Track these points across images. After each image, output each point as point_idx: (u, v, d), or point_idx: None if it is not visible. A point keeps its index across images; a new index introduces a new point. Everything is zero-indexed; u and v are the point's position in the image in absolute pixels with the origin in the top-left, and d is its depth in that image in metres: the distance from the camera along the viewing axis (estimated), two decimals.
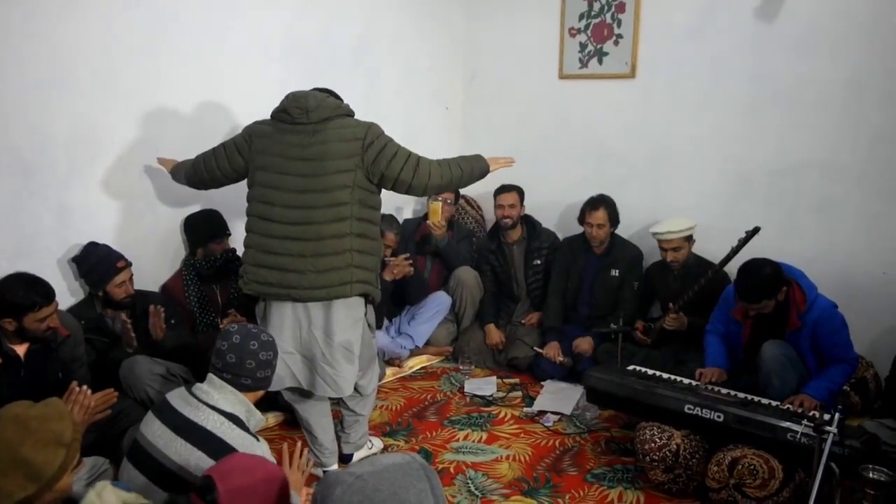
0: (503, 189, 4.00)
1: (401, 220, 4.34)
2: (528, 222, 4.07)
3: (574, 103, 4.28)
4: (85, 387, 2.13)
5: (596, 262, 3.81)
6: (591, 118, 4.23)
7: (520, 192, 4.01)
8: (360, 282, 2.49)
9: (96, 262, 2.80)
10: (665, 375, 3.00)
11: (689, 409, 2.66)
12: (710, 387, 2.83)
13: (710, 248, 3.57)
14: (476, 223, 4.57)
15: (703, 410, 2.62)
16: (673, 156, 3.97)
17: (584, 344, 3.64)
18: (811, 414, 2.53)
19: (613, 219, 3.73)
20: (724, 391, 2.78)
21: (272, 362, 2.10)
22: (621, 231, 3.91)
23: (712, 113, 3.81)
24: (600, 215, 3.68)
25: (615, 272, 3.75)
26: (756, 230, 3.03)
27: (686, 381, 2.92)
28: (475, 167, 2.66)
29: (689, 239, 3.49)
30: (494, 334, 3.84)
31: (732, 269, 2.96)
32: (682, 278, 3.52)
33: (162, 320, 2.79)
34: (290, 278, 2.43)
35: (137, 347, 2.77)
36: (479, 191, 4.57)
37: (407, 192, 2.59)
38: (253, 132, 2.56)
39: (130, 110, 3.03)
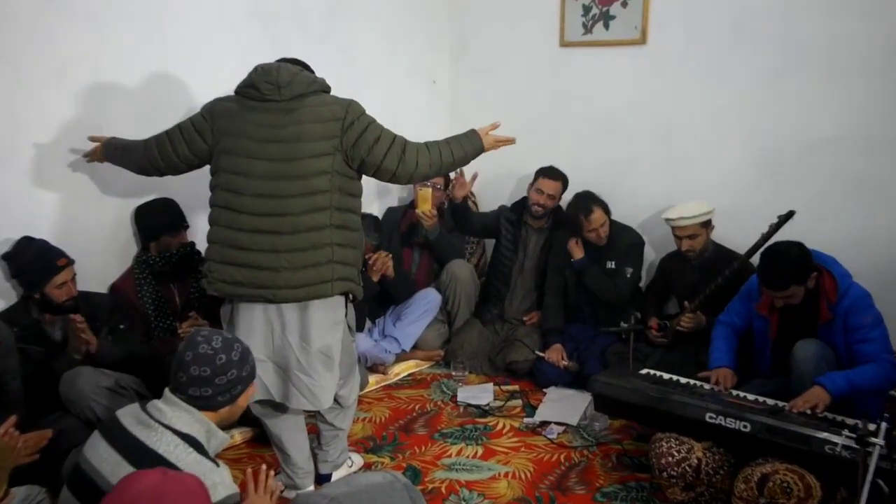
0: (549, 174, 3.98)
1: (384, 210, 4.31)
2: (556, 213, 4.07)
3: (577, 75, 4.26)
4: (14, 431, 2.09)
5: (593, 255, 3.81)
6: (595, 91, 4.21)
7: (565, 183, 4.01)
8: (341, 279, 2.47)
9: (32, 260, 2.73)
10: (683, 380, 2.99)
11: (711, 417, 2.62)
12: (735, 392, 2.80)
13: (732, 234, 3.56)
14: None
15: (728, 419, 2.59)
16: (689, 132, 3.95)
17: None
18: (853, 424, 2.49)
19: (607, 210, 3.75)
20: (751, 397, 2.76)
21: (252, 375, 2.06)
22: (631, 218, 3.90)
23: (734, 82, 3.78)
24: (598, 215, 3.69)
25: (611, 264, 3.75)
26: (790, 214, 3.02)
27: (707, 385, 2.91)
28: (468, 150, 2.64)
29: (707, 225, 3.45)
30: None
31: (757, 260, 2.92)
32: (701, 270, 3.49)
33: (87, 332, 2.71)
34: (262, 277, 2.41)
35: (84, 356, 2.73)
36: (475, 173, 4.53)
37: (390, 181, 2.58)
38: (215, 111, 2.52)
39: (68, 84, 2.96)
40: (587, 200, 3.71)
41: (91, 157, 2.91)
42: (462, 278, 4.06)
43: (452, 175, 4.32)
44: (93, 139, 2.91)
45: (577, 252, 3.76)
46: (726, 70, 3.79)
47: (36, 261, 2.72)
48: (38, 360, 2.71)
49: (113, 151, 2.79)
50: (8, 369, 2.51)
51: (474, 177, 3.81)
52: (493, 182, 4.38)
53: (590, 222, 3.68)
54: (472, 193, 4.59)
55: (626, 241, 3.76)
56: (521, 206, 4.11)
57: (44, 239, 2.81)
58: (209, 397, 1.96)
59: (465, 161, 2.66)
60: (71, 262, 2.79)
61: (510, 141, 2.72)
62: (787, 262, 2.73)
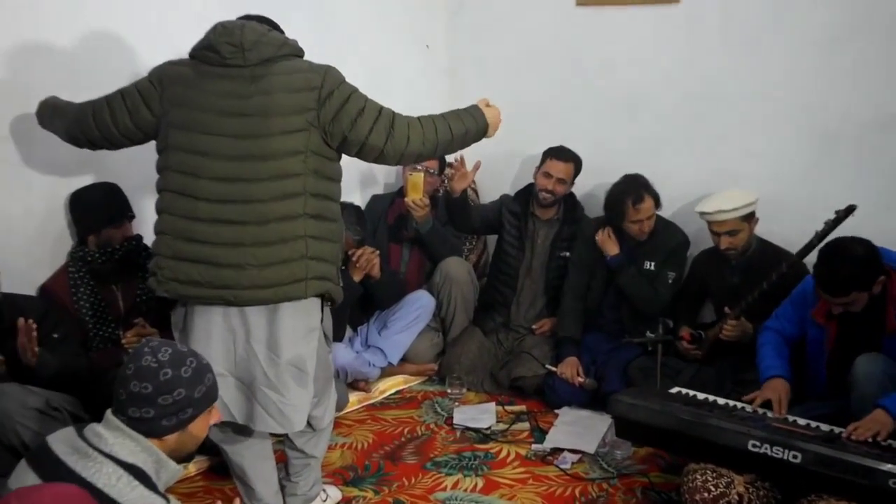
0: (558, 155, 3.99)
1: (368, 198, 4.30)
2: (569, 202, 4.07)
3: (596, 39, 4.25)
4: None
5: (628, 253, 3.81)
6: (618, 58, 4.20)
7: (578, 165, 4.01)
8: (317, 278, 2.47)
9: None
10: (721, 400, 2.98)
11: (754, 446, 2.60)
12: (783, 416, 2.79)
13: (780, 228, 3.56)
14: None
15: (774, 448, 2.57)
16: (728, 108, 3.94)
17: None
18: None
19: (657, 200, 3.73)
20: (802, 422, 2.75)
21: (210, 398, 2.03)
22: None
23: (782, 49, 3.77)
24: (648, 205, 3.66)
25: (650, 264, 3.75)
26: (850, 210, 3.02)
27: (750, 408, 2.89)
28: (469, 126, 2.63)
29: (749, 218, 3.46)
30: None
31: (812, 260, 2.93)
32: (743, 272, 3.49)
33: (34, 339, 2.68)
34: (224, 275, 2.40)
35: (4, 371, 2.70)
36: (473, 156, 4.51)
37: (377, 161, 2.58)
38: (165, 76, 2.50)
39: None
40: (639, 185, 3.69)
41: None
42: (458, 279, 4.07)
43: (452, 158, 4.32)
44: None
45: (612, 247, 3.74)
46: (774, 35, 3.77)
47: None
48: None
49: (44, 111, 2.78)
50: None
51: (476, 166, 3.80)
52: (494, 166, 4.34)
53: (637, 211, 3.66)
54: (473, 182, 4.59)
55: (669, 239, 3.75)
56: (527, 194, 4.11)
57: None
58: (151, 420, 1.93)
59: (466, 140, 2.65)
60: None
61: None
62: (850, 262, 2.72)
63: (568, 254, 4.01)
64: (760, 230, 3.54)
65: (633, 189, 3.68)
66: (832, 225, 3.03)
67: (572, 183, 4.02)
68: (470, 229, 4.25)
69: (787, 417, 2.79)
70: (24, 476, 1.88)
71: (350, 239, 3.67)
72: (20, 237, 3.08)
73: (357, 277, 3.68)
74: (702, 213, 3.47)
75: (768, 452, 2.57)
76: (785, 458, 2.53)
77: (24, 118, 3.00)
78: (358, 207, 4.03)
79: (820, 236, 3.03)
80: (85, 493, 1.69)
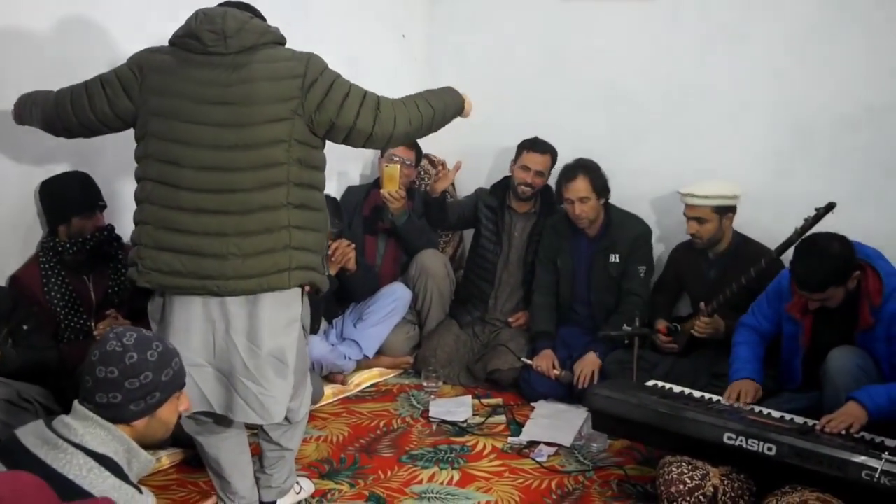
0: (534, 147, 4.00)
1: (344, 189, 4.28)
2: (546, 195, 4.08)
3: (576, 30, 4.27)
4: None
5: (588, 246, 3.85)
6: (597, 50, 4.22)
7: (554, 156, 4.03)
8: (300, 268, 2.47)
9: None
10: (697, 394, 3.01)
11: (729, 438, 2.64)
12: (758, 409, 2.82)
13: (756, 222, 3.59)
14: None
15: (749, 440, 2.60)
16: (706, 101, 3.97)
17: (587, 364, 3.64)
18: (895, 446, 2.52)
19: (600, 187, 3.75)
20: (776, 415, 2.78)
21: (177, 382, 2.01)
22: (635, 200, 3.92)
23: (761, 42, 3.80)
24: (580, 186, 3.70)
25: (615, 257, 3.78)
26: (830, 207, 3.04)
27: (725, 401, 2.93)
28: (449, 103, 2.67)
29: (723, 212, 3.47)
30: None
31: (789, 256, 2.96)
32: (721, 266, 3.52)
33: None
34: (207, 265, 2.39)
35: None
36: (450, 148, 4.52)
37: (365, 145, 2.58)
38: (145, 64, 2.48)
39: None
40: (575, 166, 3.75)
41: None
42: (434, 272, 4.07)
43: (433, 156, 4.33)
44: None
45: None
46: (752, 28, 3.80)
47: None
48: None
49: (23, 102, 2.75)
50: None
51: (457, 166, 3.80)
52: (470, 159, 4.31)
53: (567, 190, 3.70)
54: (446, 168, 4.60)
55: (628, 231, 3.78)
56: (503, 187, 4.12)
57: None
58: (118, 405, 1.91)
59: (446, 117, 2.68)
60: None
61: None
62: (826, 259, 2.74)
63: None
64: (737, 224, 3.56)
65: (568, 168, 3.75)
66: (812, 222, 3.05)
67: (549, 175, 4.04)
68: (446, 227, 4.27)
69: (763, 410, 2.82)
70: None
71: (328, 231, 3.66)
72: None
73: (333, 271, 3.67)
74: (680, 194, 3.52)
75: (743, 445, 2.60)
76: (760, 450, 2.57)
77: None
78: (335, 199, 4.02)
79: (799, 233, 3.06)
80: (40, 482, 1.67)
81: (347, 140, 2.53)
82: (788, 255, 3.02)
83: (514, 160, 4.03)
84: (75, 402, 1.95)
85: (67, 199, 3.12)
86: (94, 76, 2.55)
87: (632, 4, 4.07)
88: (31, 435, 1.91)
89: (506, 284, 4.11)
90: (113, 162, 2.90)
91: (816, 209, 3.06)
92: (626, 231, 3.78)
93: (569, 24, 4.28)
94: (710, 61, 3.93)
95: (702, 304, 3.36)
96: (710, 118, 3.96)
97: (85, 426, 1.90)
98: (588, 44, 4.24)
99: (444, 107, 2.64)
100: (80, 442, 1.87)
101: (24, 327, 2.88)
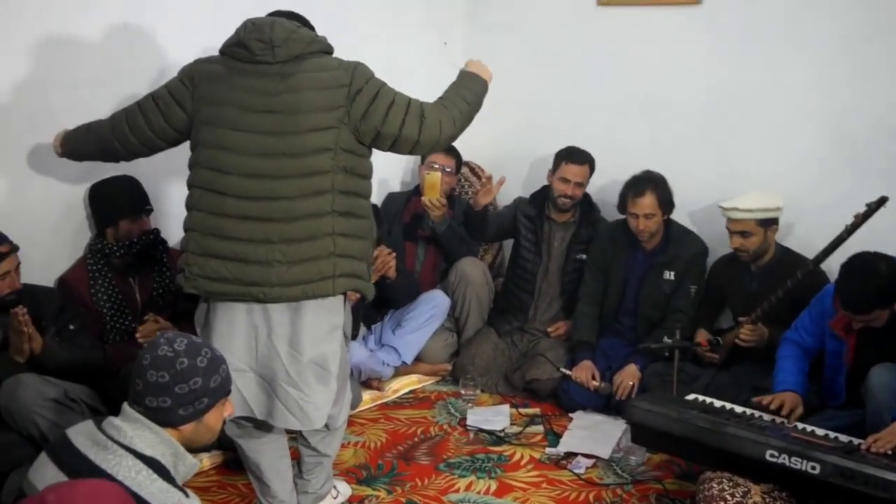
0: (572, 158, 3.97)
1: (384, 196, 4.30)
2: (585, 204, 4.07)
3: (616, 38, 4.26)
4: None
5: (644, 260, 3.82)
6: (638, 58, 4.21)
7: (592, 166, 4.01)
8: (345, 275, 2.48)
9: None
10: (738, 408, 2.98)
11: (772, 455, 2.61)
12: (801, 426, 2.80)
13: (800, 235, 3.58)
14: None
15: (793, 458, 2.57)
16: (750, 109, 3.94)
17: (627, 376, 3.62)
18: None
19: (665, 203, 3.71)
20: (821, 432, 2.74)
21: (224, 389, 2.05)
22: (678, 210, 3.89)
23: (806, 49, 3.77)
24: (648, 202, 3.66)
25: (670, 275, 3.75)
26: (882, 201, 2.95)
27: (768, 417, 2.90)
28: (478, 91, 2.66)
29: (767, 224, 3.45)
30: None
31: (833, 265, 2.94)
32: (762, 278, 3.49)
33: (30, 324, 2.69)
34: (252, 272, 2.41)
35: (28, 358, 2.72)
36: (487, 155, 4.53)
37: (412, 152, 2.62)
38: (196, 74, 2.52)
39: (12, 34, 2.96)
40: (645, 180, 3.70)
41: (55, 146, 2.87)
42: (473, 280, 4.07)
43: (469, 169, 4.31)
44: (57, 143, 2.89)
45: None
46: (797, 35, 3.77)
47: None
48: None
49: (74, 136, 2.79)
50: None
51: (501, 181, 3.78)
52: (505, 166, 4.30)
53: (634, 204, 3.67)
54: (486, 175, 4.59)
55: (687, 248, 3.75)
56: (542, 197, 4.11)
57: None
58: (168, 409, 1.95)
59: (480, 104, 2.67)
60: (15, 248, 2.79)
61: None
62: (872, 280, 2.72)
63: (584, 256, 4.02)
64: (781, 233, 3.53)
65: (637, 181, 3.71)
66: (863, 218, 2.97)
67: (588, 183, 4.03)
68: (485, 239, 4.25)
69: (806, 427, 2.79)
70: (45, 468, 1.90)
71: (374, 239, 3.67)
72: (41, 229, 3.11)
73: (372, 279, 3.68)
74: (721, 209, 3.49)
75: (786, 463, 2.57)
76: (803, 468, 2.53)
77: (47, 111, 3.03)
78: (375, 205, 4.02)
79: (850, 230, 2.99)
80: (119, 489, 1.71)
81: (394, 147, 2.54)
82: (833, 263, 2.98)
83: (552, 171, 4.02)
84: (125, 405, 1.98)
85: (116, 202, 3.16)
86: (146, 95, 2.59)
87: (672, 11, 4.06)
88: (82, 435, 1.94)
89: (545, 294, 4.10)
90: (160, 167, 2.95)
91: (868, 205, 2.98)
92: (685, 249, 3.75)
93: (607, 31, 4.27)
94: (752, 69, 3.89)
95: (740, 319, 3.34)
96: (751, 127, 3.93)
97: (134, 428, 1.93)
98: (627, 51, 4.23)
99: (475, 97, 2.63)
100: (129, 444, 1.91)
101: (71, 327, 2.93)
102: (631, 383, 3.58)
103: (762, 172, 3.84)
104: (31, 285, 2.90)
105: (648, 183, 3.68)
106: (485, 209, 3.90)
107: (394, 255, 3.74)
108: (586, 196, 4.07)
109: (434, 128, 2.51)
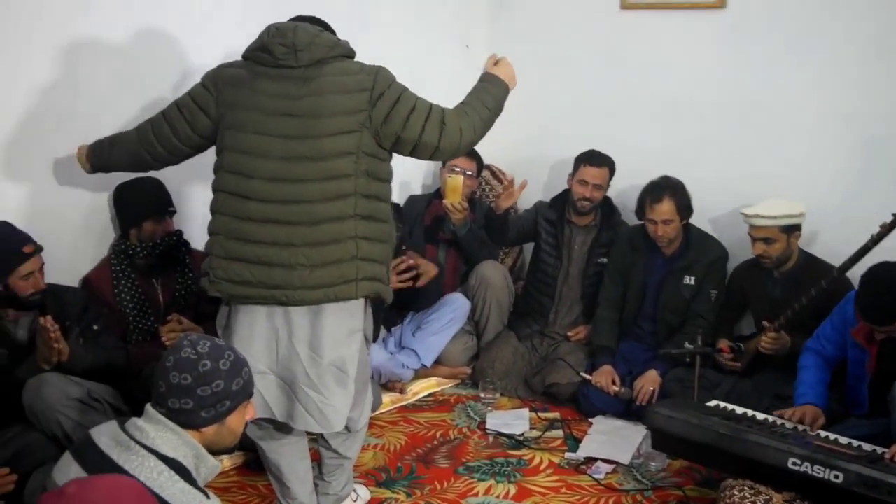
0: (591, 160, 3.97)
1: (405, 198, 4.31)
2: (606, 207, 4.07)
3: (639, 43, 4.25)
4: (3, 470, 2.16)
5: (663, 265, 3.81)
6: (661, 63, 4.19)
7: (612, 169, 4.01)
8: (367, 279, 2.49)
9: None
10: (760, 415, 2.96)
11: (794, 464, 2.59)
12: (824, 434, 2.78)
13: (825, 241, 3.55)
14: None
15: (815, 467, 2.56)
16: (774, 114, 3.91)
17: (648, 382, 3.62)
18: None
19: (683, 209, 3.70)
20: (843, 441, 2.73)
21: (246, 392, 2.06)
22: (699, 216, 3.88)
23: (832, 54, 3.74)
24: (665, 208, 3.65)
25: (690, 279, 3.74)
26: None
27: (790, 424, 2.88)
28: (499, 96, 2.65)
29: (790, 231, 3.43)
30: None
31: (856, 272, 2.92)
32: (785, 285, 3.47)
33: (61, 339, 2.68)
34: (276, 275, 2.43)
35: (49, 367, 2.72)
36: (508, 158, 4.53)
37: (432, 158, 2.62)
38: (220, 79, 2.54)
39: (41, 38, 2.99)
40: (663, 186, 3.69)
41: (82, 163, 2.90)
42: (494, 283, 4.07)
43: (490, 173, 4.31)
44: (81, 155, 2.91)
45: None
46: (822, 39, 3.74)
47: None
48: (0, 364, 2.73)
49: (100, 150, 2.82)
50: None
51: (523, 185, 3.78)
52: (526, 170, 4.31)
53: (652, 210, 3.66)
54: (507, 179, 4.58)
55: (707, 253, 3.74)
56: (563, 200, 4.10)
57: (7, 221, 2.82)
58: (190, 411, 1.96)
59: (501, 109, 2.66)
60: (39, 248, 2.80)
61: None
62: (893, 291, 2.69)
63: (605, 260, 4.01)
64: (803, 242, 3.51)
65: (655, 187, 3.69)
66: (889, 228, 2.93)
67: (608, 186, 4.02)
68: (506, 243, 4.25)
69: (829, 436, 2.77)
70: (68, 468, 1.92)
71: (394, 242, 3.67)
72: (66, 229, 3.13)
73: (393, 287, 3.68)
74: (744, 216, 3.47)
75: (809, 471, 2.56)
76: (826, 477, 2.52)
77: (73, 114, 3.06)
78: (397, 205, 4.04)
79: (875, 240, 2.96)
80: (138, 485, 1.72)
81: (414, 153, 2.55)
82: (856, 271, 2.96)
83: (572, 174, 4.01)
84: (147, 406, 2.00)
85: (139, 203, 3.18)
86: (171, 103, 2.61)
87: (695, 15, 4.04)
88: (105, 436, 1.96)
89: (566, 298, 4.09)
90: (183, 168, 2.96)
91: (894, 214, 2.95)
92: (704, 254, 3.73)
93: (630, 34, 4.25)
94: (777, 74, 3.87)
95: (765, 323, 3.32)
96: (774, 132, 3.90)
97: (157, 430, 1.95)
98: (649, 55, 4.21)
99: (496, 103, 2.63)
100: (152, 445, 1.92)
101: (95, 327, 2.95)
102: (651, 389, 3.56)
103: (785, 178, 3.81)
104: (56, 285, 2.91)
105: (666, 189, 3.67)
106: (506, 213, 3.89)
107: (410, 259, 3.70)
108: (607, 200, 4.07)
109: (454, 134, 2.51)
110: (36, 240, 2.81)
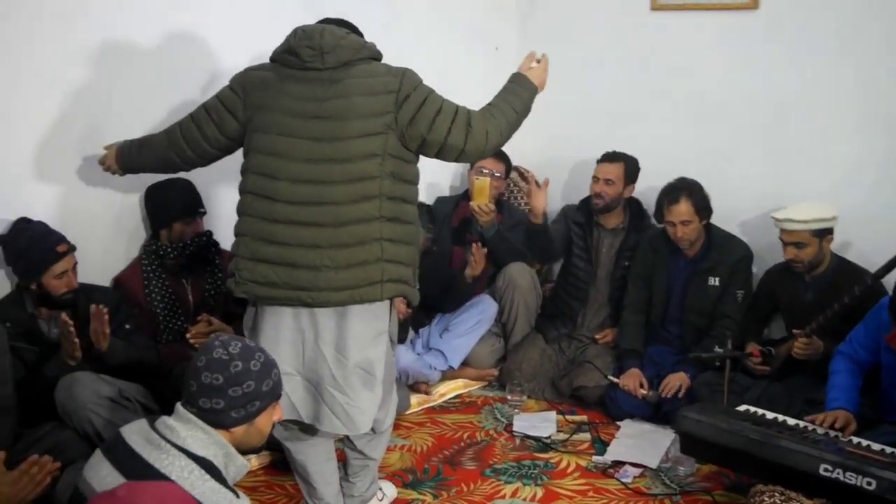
0: (605, 156, 4.00)
1: (433, 199, 4.32)
2: (634, 209, 4.05)
3: (670, 43, 4.23)
4: (47, 458, 2.16)
5: (686, 267, 3.79)
6: (692, 65, 4.18)
7: (629, 165, 3.98)
8: (392, 280, 2.50)
9: (29, 245, 2.80)
10: (791, 421, 2.92)
11: (826, 470, 2.55)
12: (856, 440, 2.74)
13: (858, 245, 3.53)
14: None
15: (847, 473, 2.51)
16: (807, 117, 3.88)
17: (675, 380, 3.60)
18: None
19: (702, 209, 3.67)
20: (876, 447, 2.68)
21: (275, 393, 2.08)
22: (729, 220, 3.84)
23: (863, 56, 3.70)
24: (683, 209, 3.63)
25: (714, 280, 3.71)
26: None
27: (822, 430, 2.84)
28: (526, 98, 2.65)
29: (822, 234, 3.39)
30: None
31: (890, 277, 2.89)
32: (817, 289, 3.44)
33: (106, 324, 2.77)
34: (301, 276, 2.44)
35: (80, 360, 2.76)
36: (537, 160, 4.52)
37: (457, 160, 2.61)
38: (247, 82, 2.56)
39: (76, 41, 3.03)
40: (680, 187, 3.67)
41: (106, 165, 2.93)
42: (521, 285, 4.06)
43: (519, 174, 4.30)
44: (106, 157, 2.94)
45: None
46: (855, 41, 3.71)
47: (33, 246, 2.78)
48: (32, 363, 2.78)
49: (129, 152, 2.85)
50: None
51: (545, 183, 3.76)
52: (554, 171, 4.31)
53: (670, 212, 3.64)
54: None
55: (730, 253, 3.71)
56: (588, 202, 4.10)
57: (43, 221, 2.88)
58: (220, 411, 1.98)
59: (528, 111, 2.66)
60: (72, 248, 2.85)
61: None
62: None
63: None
64: (837, 245, 3.47)
65: (672, 189, 3.68)
66: None
67: (627, 184, 3.98)
68: (555, 256, 4.16)
69: (862, 442, 2.73)
70: (100, 466, 1.94)
71: (424, 238, 3.68)
72: (97, 230, 3.18)
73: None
74: (775, 220, 3.44)
75: (841, 478, 2.51)
76: (858, 484, 2.48)
77: (107, 116, 3.10)
78: (428, 205, 4.05)
79: None
80: (186, 494, 1.74)
81: (440, 155, 2.55)
82: (890, 277, 2.92)
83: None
84: (178, 405, 2.01)
85: (170, 205, 3.22)
86: (199, 106, 2.64)
87: (727, 16, 4.02)
88: (136, 434, 1.98)
89: (593, 301, 4.08)
90: (213, 169, 2.99)
91: None
92: (728, 254, 3.71)
93: (659, 35, 4.24)
94: (808, 75, 3.84)
95: (795, 329, 3.28)
96: (807, 135, 3.87)
97: (187, 429, 1.97)
98: (680, 56, 4.19)
99: (523, 105, 2.63)
100: (182, 444, 1.94)
101: (127, 327, 3.00)
102: (679, 384, 3.55)
103: (818, 181, 3.78)
104: (89, 285, 2.97)
105: (682, 190, 3.65)
106: (545, 221, 3.86)
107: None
108: (637, 202, 4.05)
109: (480, 137, 2.51)
110: (69, 240, 2.85)
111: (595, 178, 3.95)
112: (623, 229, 4.03)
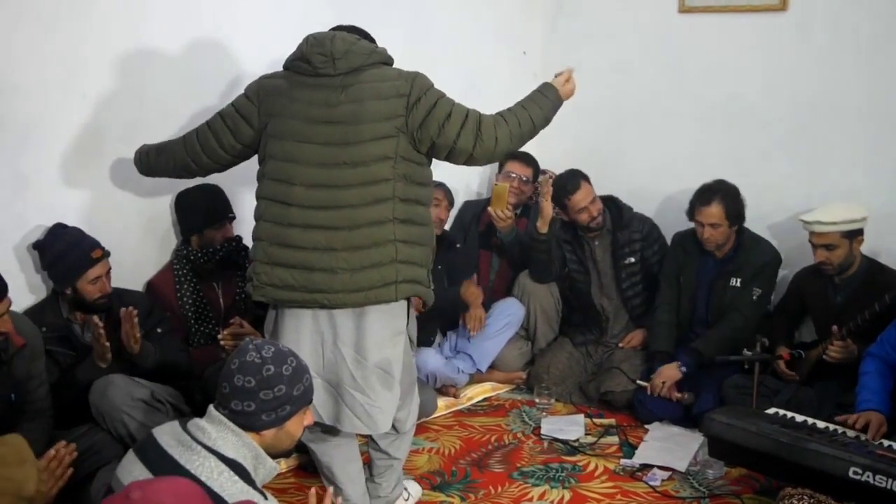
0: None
1: (461, 203, 4.33)
2: (612, 208, 4.02)
3: (699, 46, 4.23)
4: (73, 446, 2.19)
5: (714, 267, 3.77)
6: (721, 67, 4.17)
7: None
8: (407, 281, 2.52)
9: (65, 251, 2.84)
10: (821, 424, 2.90)
11: (855, 473, 2.54)
12: (887, 443, 2.72)
13: (889, 246, 3.52)
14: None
15: (878, 477, 2.50)
16: (838, 119, 3.87)
17: (662, 376, 3.60)
18: None
19: (733, 214, 3.64)
20: None
21: (306, 398, 2.10)
22: (759, 222, 3.83)
23: (892, 57, 3.69)
24: (714, 211, 3.61)
25: (736, 282, 3.69)
26: None
27: (852, 433, 2.82)
28: (546, 108, 2.65)
29: (852, 236, 3.35)
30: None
31: None
32: (849, 292, 3.40)
33: (136, 326, 2.81)
34: (317, 279, 2.47)
35: (112, 363, 2.80)
36: (566, 164, 4.51)
37: (467, 163, 2.63)
38: (262, 90, 2.61)
39: (109, 49, 3.08)
40: (713, 189, 3.63)
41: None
42: (535, 291, 4.07)
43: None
44: None
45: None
46: (886, 42, 3.69)
47: (68, 252, 2.82)
48: (67, 366, 2.82)
49: (146, 157, 2.90)
50: (34, 374, 2.62)
51: (547, 179, 3.77)
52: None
53: (700, 213, 3.62)
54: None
55: (758, 256, 3.68)
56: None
57: (78, 227, 2.92)
58: (251, 413, 2.00)
59: (547, 122, 2.66)
60: (106, 254, 2.89)
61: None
62: None
63: (633, 259, 3.96)
64: (867, 247, 3.44)
65: (706, 190, 3.65)
66: None
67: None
68: (550, 275, 4.06)
69: (892, 445, 2.71)
70: (132, 467, 1.98)
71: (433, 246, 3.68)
72: (130, 235, 3.22)
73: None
74: (803, 223, 3.41)
75: (871, 481, 2.50)
76: (889, 487, 2.47)
77: (138, 121, 3.14)
78: (442, 184, 3.96)
79: None
80: (199, 489, 1.76)
81: (449, 158, 2.58)
82: None
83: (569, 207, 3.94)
84: (210, 407, 2.04)
85: (200, 211, 3.25)
86: (215, 114, 2.68)
87: (756, 18, 4.01)
88: (167, 435, 2.01)
89: (608, 309, 4.06)
90: (241, 175, 3.02)
91: None
92: (755, 257, 3.68)
93: (689, 38, 4.23)
94: (838, 77, 3.82)
95: (834, 328, 3.24)
96: (838, 137, 3.86)
97: (218, 430, 1.99)
98: (709, 58, 4.19)
99: (543, 116, 2.63)
100: (213, 446, 1.97)
101: (159, 330, 3.03)
102: (662, 382, 3.57)
103: (849, 184, 3.76)
104: (121, 289, 3.00)
105: (717, 193, 3.63)
106: (548, 236, 3.84)
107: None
108: (613, 200, 4.02)
109: (489, 141, 2.53)
110: (103, 245, 2.89)
111: (578, 210, 3.87)
112: (608, 231, 3.98)
